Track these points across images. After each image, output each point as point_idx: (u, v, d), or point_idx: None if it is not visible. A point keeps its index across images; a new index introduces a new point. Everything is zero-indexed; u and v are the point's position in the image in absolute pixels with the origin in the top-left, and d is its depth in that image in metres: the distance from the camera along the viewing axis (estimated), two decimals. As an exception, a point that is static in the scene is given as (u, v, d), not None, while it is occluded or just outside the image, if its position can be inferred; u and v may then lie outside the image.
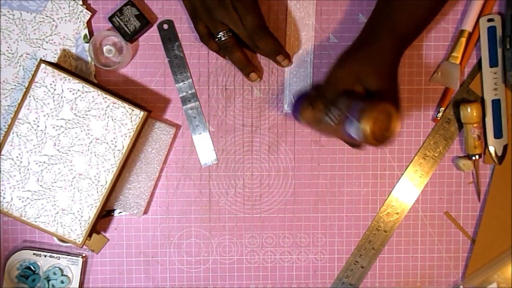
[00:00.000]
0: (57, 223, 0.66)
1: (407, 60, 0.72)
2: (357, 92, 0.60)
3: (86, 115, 0.66)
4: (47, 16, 0.68)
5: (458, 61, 0.70)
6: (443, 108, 0.72)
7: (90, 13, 0.68)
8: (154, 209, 0.72)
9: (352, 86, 0.60)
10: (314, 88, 0.64)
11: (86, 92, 0.65)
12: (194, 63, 0.71)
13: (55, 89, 0.65)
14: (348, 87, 0.60)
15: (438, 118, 0.72)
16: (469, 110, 0.70)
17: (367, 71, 0.59)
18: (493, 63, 0.71)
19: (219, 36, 0.65)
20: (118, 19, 0.67)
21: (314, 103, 0.60)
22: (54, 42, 0.68)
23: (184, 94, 0.71)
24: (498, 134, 0.71)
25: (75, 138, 0.66)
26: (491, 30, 0.70)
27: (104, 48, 0.67)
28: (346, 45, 0.62)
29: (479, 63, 0.72)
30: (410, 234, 0.73)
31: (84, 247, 0.70)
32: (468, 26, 0.70)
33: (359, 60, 0.60)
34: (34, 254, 0.70)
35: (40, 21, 0.68)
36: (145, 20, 0.68)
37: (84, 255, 0.71)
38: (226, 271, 0.73)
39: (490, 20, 0.70)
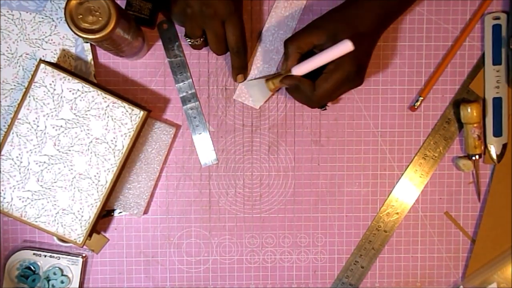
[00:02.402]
0: (58, 223, 0.66)
1: (407, 60, 0.72)
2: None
3: (86, 115, 0.66)
4: (46, 16, 0.68)
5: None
6: (421, 98, 0.71)
7: (90, 13, 0.68)
8: (154, 209, 0.72)
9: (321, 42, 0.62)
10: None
11: (86, 92, 0.65)
12: (194, 63, 0.71)
13: (54, 89, 0.65)
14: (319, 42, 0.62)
15: (415, 107, 0.72)
16: (469, 110, 0.70)
17: (344, 31, 0.60)
18: (496, 61, 0.71)
19: (192, 41, 0.66)
20: (131, 12, 0.67)
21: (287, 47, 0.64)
22: (54, 42, 0.68)
23: (184, 94, 0.71)
24: (497, 133, 0.71)
25: (75, 138, 0.66)
26: (496, 28, 0.71)
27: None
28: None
29: (482, 60, 0.72)
30: (410, 234, 0.73)
31: (84, 247, 0.70)
32: None
33: (338, 21, 0.61)
34: (34, 254, 0.70)
35: (40, 21, 0.68)
36: None
37: (84, 255, 0.71)
38: (226, 271, 0.73)
39: (496, 18, 0.70)
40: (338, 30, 0.60)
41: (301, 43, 0.62)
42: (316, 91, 0.62)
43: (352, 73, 0.61)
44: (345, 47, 0.58)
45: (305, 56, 0.62)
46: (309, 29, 0.62)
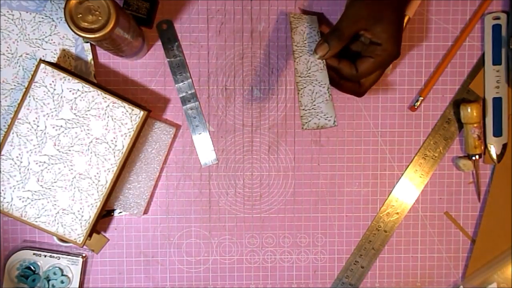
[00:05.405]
0: (58, 223, 0.66)
1: (407, 60, 0.72)
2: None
3: (86, 115, 0.66)
4: (46, 16, 0.68)
5: None
6: (421, 98, 0.71)
7: (90, 13, 0.68)
8: (154, 209, 0.72)
9: (365, 27, 0.61)
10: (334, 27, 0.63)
11: (86, 92, 0.65)
12: (194, 63, 0.71)
13: (54, 89, 0.65)
14: (363, 28, 0.61)
15: (415, 107, 0.72)
16: (469, 110, 0.70)
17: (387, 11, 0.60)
18: (496, 61, 0.71)
19: None
20: (129, 11, 0.67)
21: (329, 40, 0.61)
22: (54, 42, 0.68)
23: (184, 94, 0.71)
24: (497, 133, 0.71)
25: (75, 138, 0.66)
26: (496, 28, 0.71)
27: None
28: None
29: (482, 60, 0.72)
30: (410, 234, 0.73)
31: (84, 247, 0.70)
32: (409, 12, 0.70)
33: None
34: (34, 254, 0.70)
35: (40, 21, 0.68)
36: None
37: (84, 255, 0.71)
38: (226, 271, 0.73)
39: (496, 18, 0.70)
40: (378, 10, 0.60)
41: (344, 36, 0.61)
42: (360, 70, 0.62)
43: (394, 51, 0.62)
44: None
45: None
46: (347, 20, 0.61)
